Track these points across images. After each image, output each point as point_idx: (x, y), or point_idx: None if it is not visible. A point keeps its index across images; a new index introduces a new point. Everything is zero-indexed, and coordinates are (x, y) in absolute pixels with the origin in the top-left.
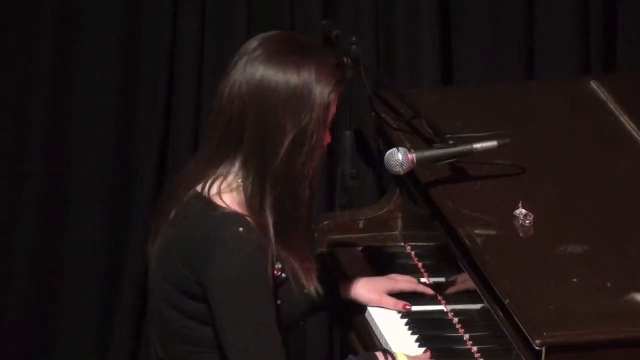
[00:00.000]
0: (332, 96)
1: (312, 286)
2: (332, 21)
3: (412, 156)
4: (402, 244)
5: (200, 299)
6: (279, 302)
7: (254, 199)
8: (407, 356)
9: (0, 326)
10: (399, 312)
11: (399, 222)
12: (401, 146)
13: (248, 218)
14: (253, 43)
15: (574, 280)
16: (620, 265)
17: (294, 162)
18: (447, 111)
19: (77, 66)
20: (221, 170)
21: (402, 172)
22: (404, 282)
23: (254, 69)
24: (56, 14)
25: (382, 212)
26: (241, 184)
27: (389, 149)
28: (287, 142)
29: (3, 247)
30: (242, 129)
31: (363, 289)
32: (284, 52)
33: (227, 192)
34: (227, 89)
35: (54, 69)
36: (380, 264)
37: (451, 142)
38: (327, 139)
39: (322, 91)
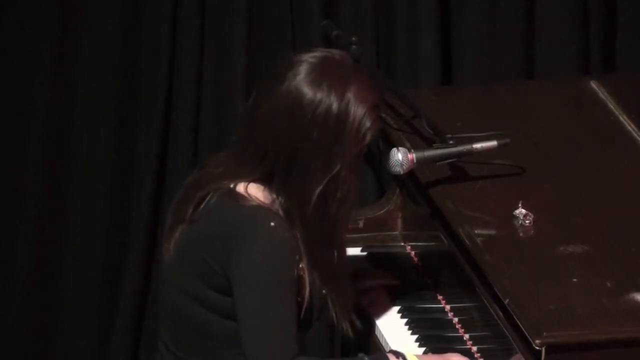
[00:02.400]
0: (366, 140)
1: (348, 327)
2: (332, 21)
3: (412, 156)
4: (402, 244)
5: (228, 293)
6: (299, 299)
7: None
8: (418, 356)
9: (0, 326)
10: (400, 309)
11: (399, 222)
12: (401, 146)
13: (280, 215)
14: (294, 71)
15: (574, 280)
16: (620, 265)
17: (328, 209)
18: (447, 111)
19: (77, 66)
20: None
21: (402, 172)
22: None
23: (292, 95)
24: (56, 14)
25: (382, 212)
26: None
27: (389, 149)
28: (319, 189)
29: (3, 247)
30: (275, 153)
31: None
32: (324, 86)
33: (259, 192)
34: (266, 106)
35: (54, 69)
36: (381, 264)
37: (451, 142)
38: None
39: (355, 134)
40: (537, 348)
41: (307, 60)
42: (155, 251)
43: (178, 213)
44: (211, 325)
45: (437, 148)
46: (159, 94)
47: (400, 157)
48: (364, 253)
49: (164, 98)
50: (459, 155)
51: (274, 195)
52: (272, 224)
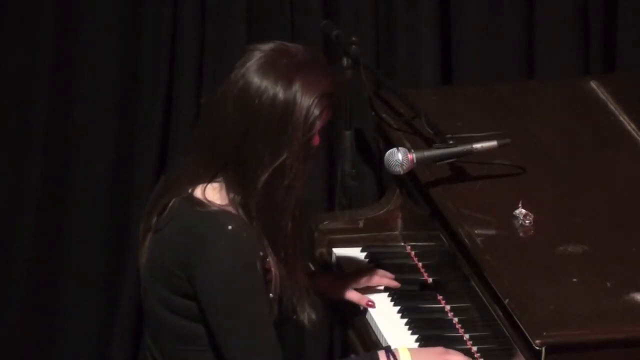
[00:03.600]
0: (316, 128)
1: (306, 316)
2: (332, 21)
3: (412, 156)
4: (402, 244)
5: (191, 297)
6: (271, 295)
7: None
8: (410, 350)
9: (0, 326)
10: (400, 309)
11: (399, 222)
12: (401, 146)
13: (239, 216)
14: (244, 59)
15: (574, 280)
16: (620, 265)
17: (274, 196)
18: (447, 111)
19: (77, 66)
20: (208, 180)
21: (402, 172)
22: (376, 277)
23: (241, 90)
24: (56, 14)
25: (382, 212)
26: (232, 200)
27: (389, 149)
28: (266, 175)
29: (3, 247)
30: (227, 149)
31: (331, 284)
32: (271, 77)
33: (216, 194)
34: (216, 105)
35: (54, 68)
36: (380, 263)
37: (451, 142)
38: (316, 140)
39: (302, 123)
40: (537, 348)
41: (258, 49)
42: None
43: (146, 221)
44: (182, 329)
45: (437, 148)
46: (159, 94)
47: (400, 157)
48: (364, 253)
49: (164, 98)
50: (459, 155)
51: (231, 194)
52: (230, 227)
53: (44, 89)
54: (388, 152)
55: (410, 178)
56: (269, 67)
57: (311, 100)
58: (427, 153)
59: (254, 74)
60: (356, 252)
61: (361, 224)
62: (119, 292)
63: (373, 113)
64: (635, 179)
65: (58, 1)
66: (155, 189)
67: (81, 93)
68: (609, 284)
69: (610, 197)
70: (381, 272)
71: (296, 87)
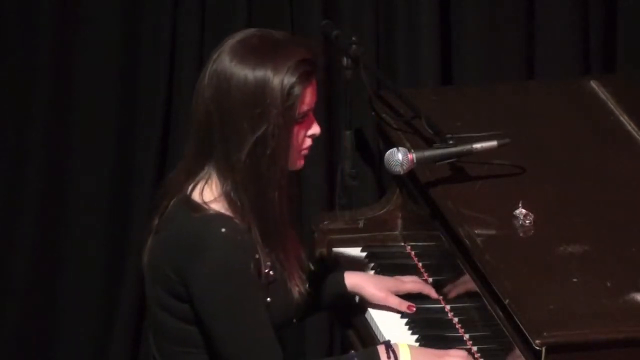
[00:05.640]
0: (294, 95)
1: (296, 289)
2: (332, 21)
3: (412, 156)
4: (402, 244)
5: (186, 300)
6: (269, 299)
7: (234, 202)
8: (410, 346)
9: (0, 326)
10: (402, 313)
11: (399, 222)
12: (401, 146)
13: (233, 219)
14: (221, 44)
15: (574, 280)
16: (620, 265)
17: (258, 167)
18: (447, 111)
19: (77, 66)
20: (202, 175)
21: (402, 172)
22: (410, 283)
23: (215, 72)
24: (56, 14)
25: (382, 212)
26: (222, 189)
27: (389, 149)
28: (247, 149)
29: (3, 246)
30: (210, 136)
31: (370, 284)
32: (244, 53)
33: (211, 196)
34: (195, 96)
35: (54, 68)
36: (380, 263)
37: (451, 142)
38: (314, 128)
39: (278, 91)
40: (537, 348)
41: (233, 36)
42: None
43: (150, 222)
44: (178, 331)
45: (437, 148)
46: (159, 93)
47: (400, 157)
48: (364, 253)
49: (164, 98)
50: (459, 155)
51: (221, 183)
52: (224, 230)
53: (44, 89)
54: (388, 152)
55: (410, 178)
56: (241, 45)
57: (285, 68)
58: (427, 153)
59: (227, 53)
60: (356, 252)
61: (361, 224)
62: (119, 292)
63: (373, 113)
64: (635, 179)
65: (58, 1)
66: (158, 189)
67: (81, 93)
68: (609, 284)
69: (610, 197)
70: (415, 278)
71: (270, 55)
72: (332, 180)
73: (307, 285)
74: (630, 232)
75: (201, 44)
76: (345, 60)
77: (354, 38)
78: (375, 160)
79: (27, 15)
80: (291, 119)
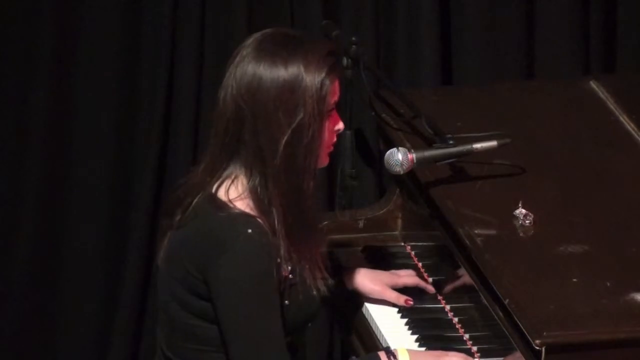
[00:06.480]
0: (326, 86)
1: (318, 285)
2: (332, 21)
3: (412, 156)
4: (402, 244)
5: (206, 298)
6: (286, 302)
7: (261, 199)
8: (409, 351)
9: (0, 326)
10: (400, 309)
11: (399, 222)
12: (401, 146)
13: (258, 219)
14: (244, 44)
15: (574, 280)
16: (620, 265)
17: (295, 157)
18: (447, 111)
19: (77, 66)
20: (227, 173)
21: (402, 172)
22: (406, 276)
23: (244, 70)
24: (56, 14)
25: (382, 212)
26: (248, 186)
27: (389, 149)
28: (284, 139)
29: (3, 247)
30: (240, 131)
31: (366, 279)
32: (272, 50)
33: (236, 194)
34: (222, 94)
35: (54, 68)
36: (380, 263)
37: (451, 142)
38: (339, 124)
39: (312, 83)
40: (537, 348)
41: (254, 36)
42: (155, 251)
43: (169, 217)
44: (195, 329)
45: (437, 148)
46: (159, 93)
47: (400, 157)
48: (364, 253)
49: (164, 98)
50: (459, 155)
51: (248, 178)
52: (250, 230)
53: (44, 89)
54: (388, 152)
55: (410, 178)
56: (269, 44)
57: (316, 60)
58: (427, 153)
59: (254, 52)
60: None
61: (361, 224)
62: (119, 292)
63: (373, 113)
64: (635, 178)
65: (58, 1)
66: (178, 182)
67: (81, 92)
68: (609, 284)
69: (610, 196)
70: (411, 272)
71: (300, 51)
72: (332, 180)
73: (329, 281)
74: (630, 232)
75: (201, 44)
76: (345, 60)
77: (354, 38)
78: (375, 160)
79: (28, 15)
80: (324, 110)
